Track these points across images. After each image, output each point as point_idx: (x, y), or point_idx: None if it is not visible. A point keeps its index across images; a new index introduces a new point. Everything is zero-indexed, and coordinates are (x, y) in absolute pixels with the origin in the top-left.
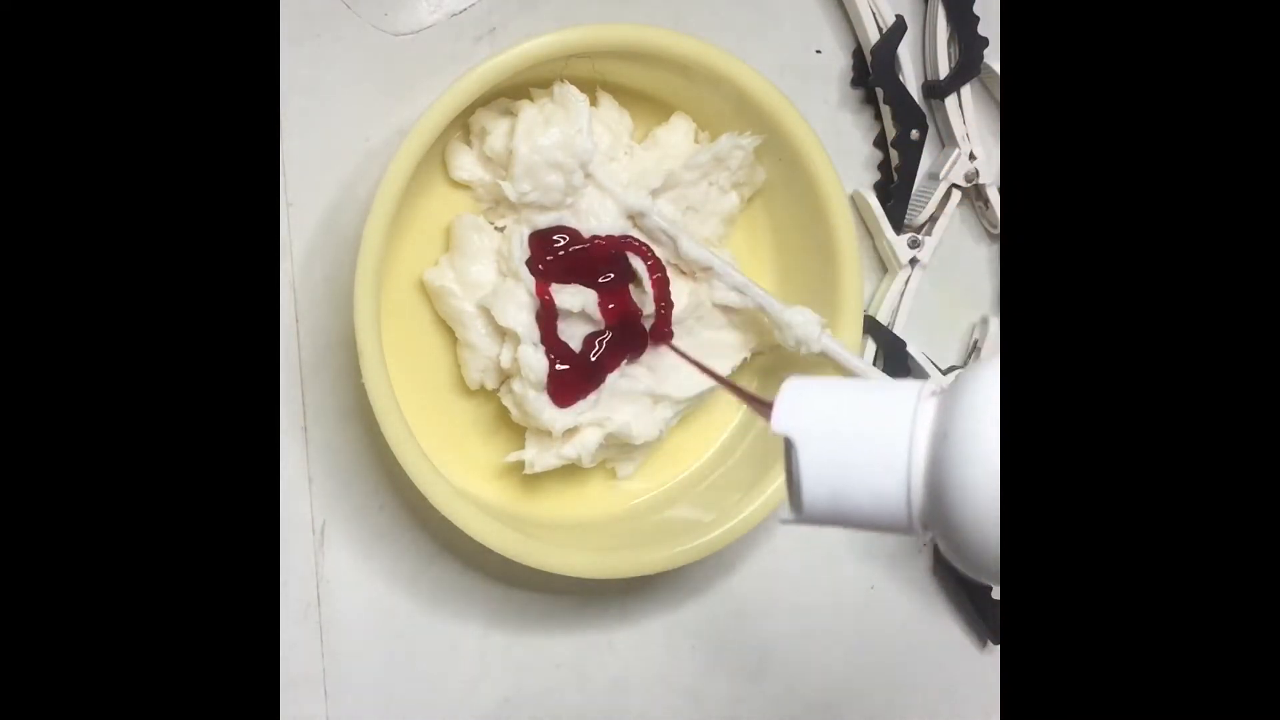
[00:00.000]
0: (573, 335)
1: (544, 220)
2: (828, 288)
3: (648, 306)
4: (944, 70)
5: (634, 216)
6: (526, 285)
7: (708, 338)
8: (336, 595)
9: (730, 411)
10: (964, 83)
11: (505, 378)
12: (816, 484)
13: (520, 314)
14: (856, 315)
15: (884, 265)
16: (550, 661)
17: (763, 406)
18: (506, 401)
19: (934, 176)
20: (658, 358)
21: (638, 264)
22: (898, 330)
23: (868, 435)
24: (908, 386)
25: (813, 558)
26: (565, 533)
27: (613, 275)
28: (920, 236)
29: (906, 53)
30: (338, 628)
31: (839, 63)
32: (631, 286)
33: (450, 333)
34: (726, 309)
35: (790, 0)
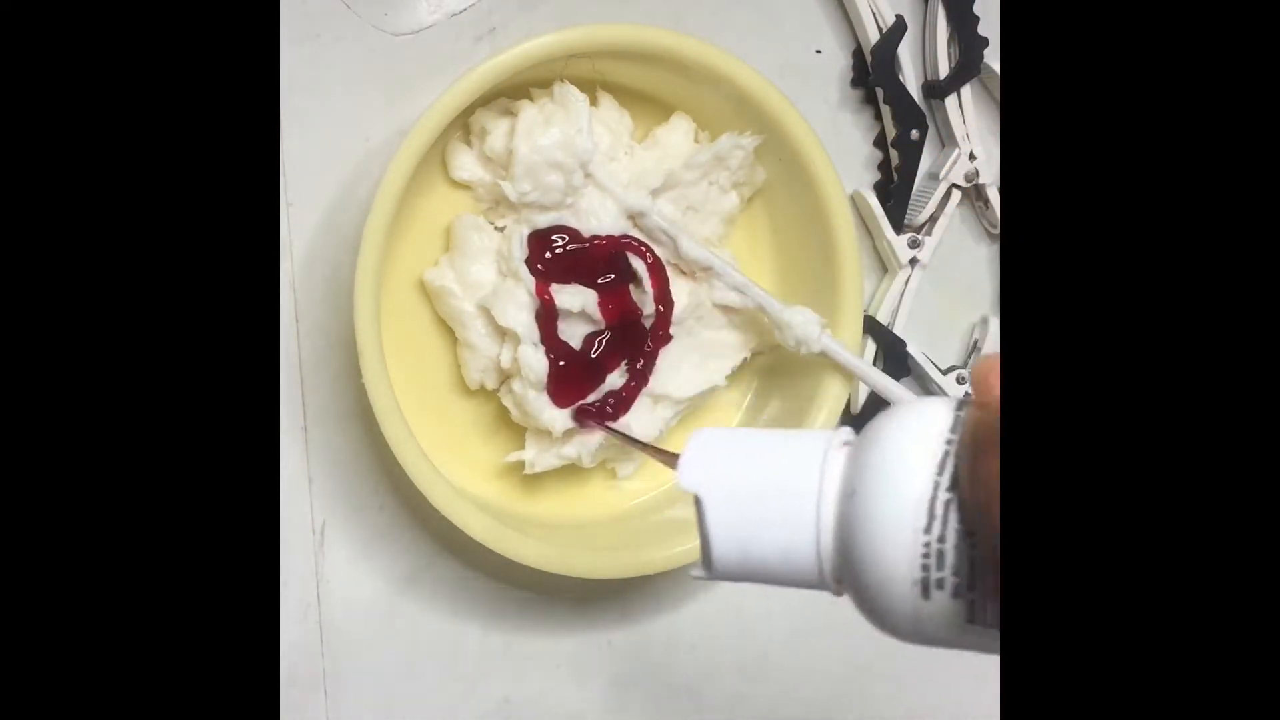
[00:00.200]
0: (573, 335)
1: (544, 220)
2: (828, 288)
3: (648, 306)
4: (944, 70)
5: (634, 216)
6: (526, 285)
7: (708, 338)
8: (336, 595)
9: (730, 411)
10: (964, 83)
11: (505, 378)
12: (725, 542)
13: (520, 314)
14: (856, 315)
15: (884, 265)
16: (550, 661)
17: (672, 459)
18: (506, 401)
19: (934, 176)
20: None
21: (638, 264)
22: (898, 330)
23: (775, 492)
24: (816, 439)
25: None
26: (565, 533)
27: (613, 275)
28: (920, 236)
29: (906, 53)
30: (338, 628)
31: (839, 63)
32: (631, 286)
33: (450, 333)
34: (726, 309)
35: (790, 0)
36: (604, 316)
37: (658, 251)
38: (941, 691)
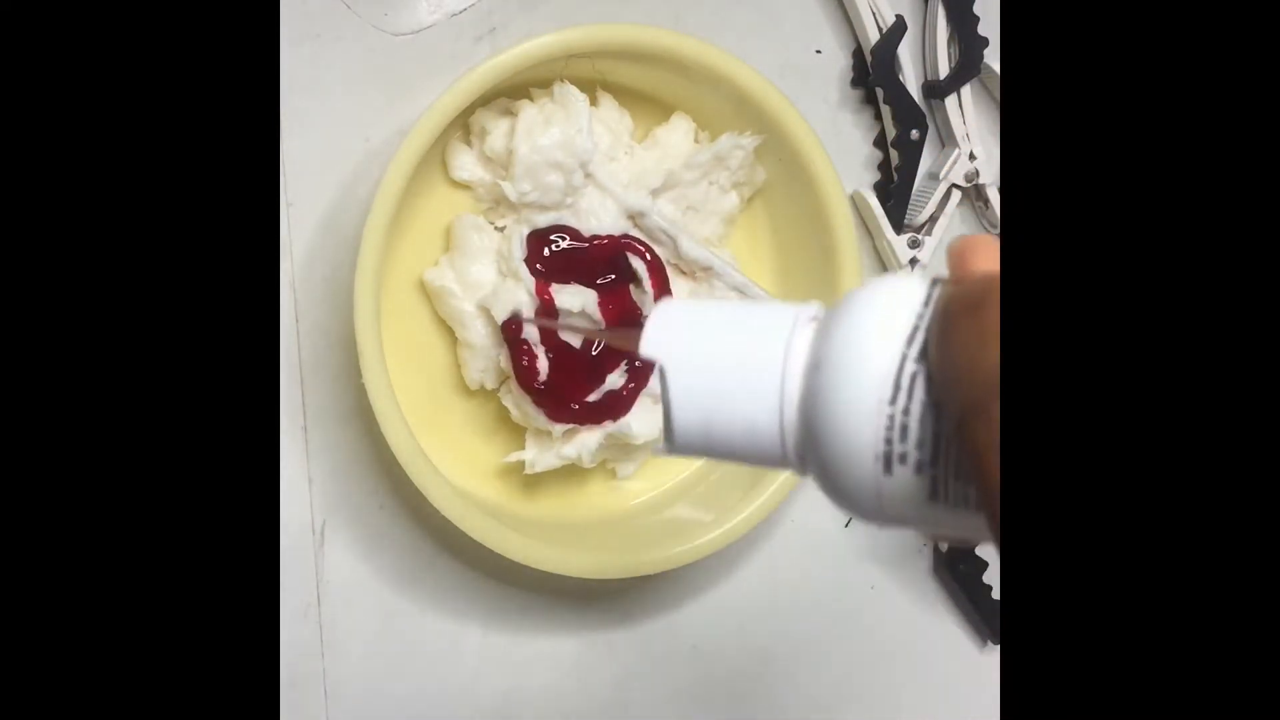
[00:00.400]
0: (573, 335)
1: (544, 220)
2: (828, 288)
3: (648, 306)
4: (944, 70)
5: (634, 216)
6: (526, 285)
7: None
8: (336, 595)
9: None
10: (964, 83)
11: (505, 378)
12: (687, 414)
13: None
14: None
15: (884, 265)
16: (550, 661)
17: (635, 334)
18: (506, 401)
19: (934, 176)
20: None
21: (638, 264)
22: None
23: (740, 363)
24: (785, 312)
25: (813, 558)
26: (565, 533)
27: (613, 275)
28: (920, 236)
29: (906, 53)
30: (338, 628)
31: (839, 63)
32: (631, 286)
33: (450, 333)
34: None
35: (790, 0)
36: (604, 316)
37: (658, 251)
38: (941, 691)
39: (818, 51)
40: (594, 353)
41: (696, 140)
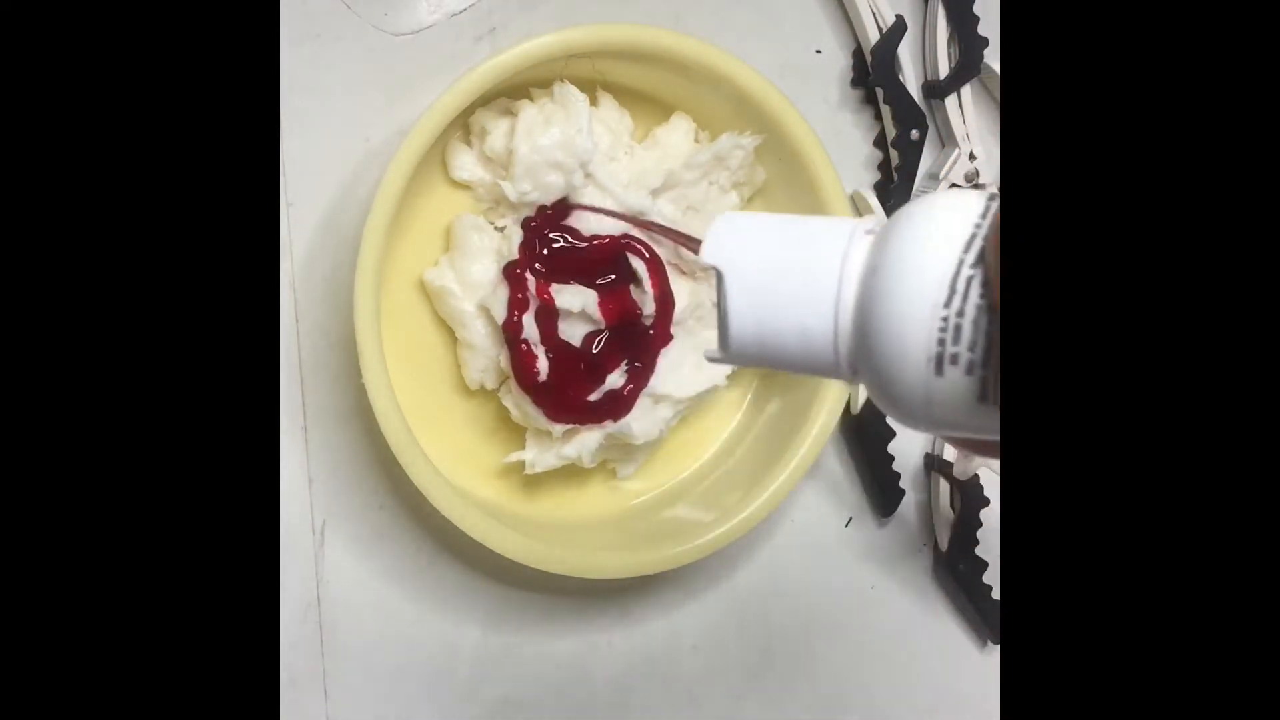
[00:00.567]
0: (573, 335)
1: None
2: None
3: (648, 306)
4: (944, 70)
5: (634, 216)
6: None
7: (707, 337)
8: (336, 595)
9: (730, 411)
10: (964, 83)
11: (505, 378)
12: (744, 319)
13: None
14: None
15: None
16: (550, 661)
17: (694, 241)
18: (506, 402)
19: (934, 176)
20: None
21: (638, 264)
22: None
23: (797, 270)
24: (844, 223)
25: (813, 558)
26: (565, 533)
27: (613, 275)
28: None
29: (906, 53)
30: (338, 628)
31: (839, 63)
32: (631, 286)
33: (450, 333)
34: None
35: (790, 0)
36: (604, 316)
37: (658, 251)
38: (941, 691)
39: (818, 51)
40: (593, 354)
41: (696, 140)
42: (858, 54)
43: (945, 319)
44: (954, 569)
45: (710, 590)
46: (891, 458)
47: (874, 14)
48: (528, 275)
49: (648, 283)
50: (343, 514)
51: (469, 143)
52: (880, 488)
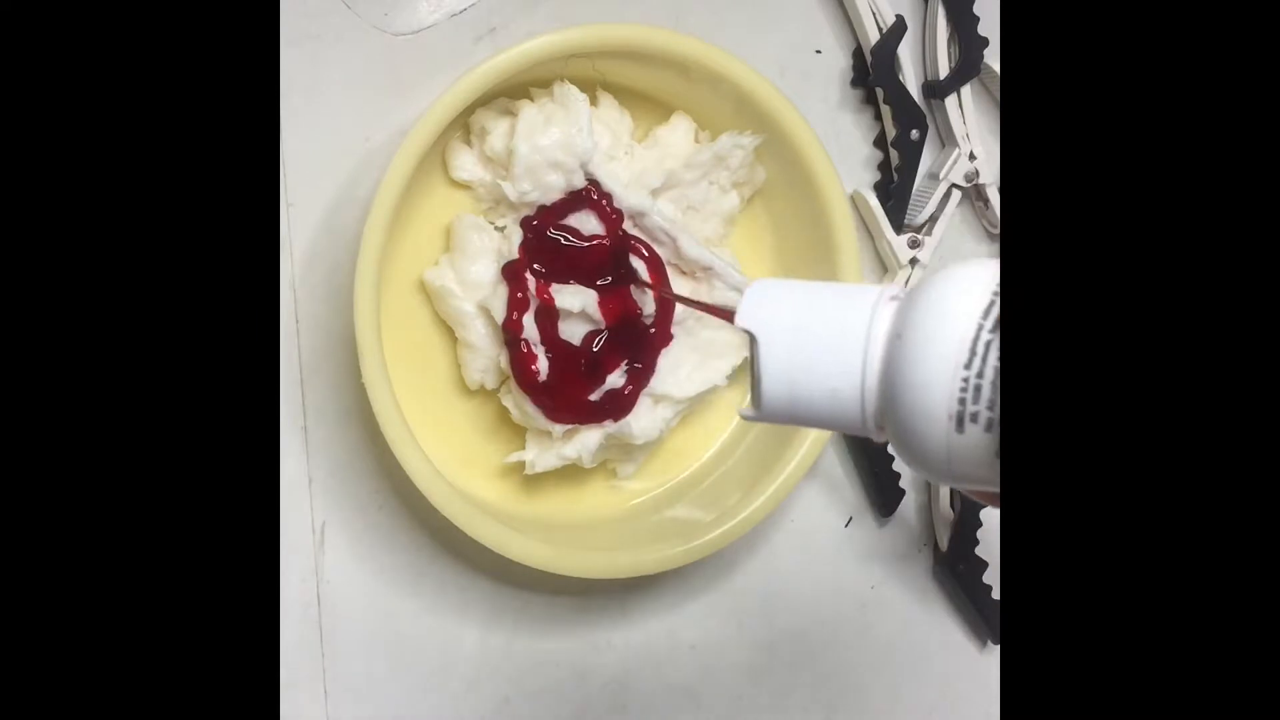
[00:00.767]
0: (573, 335)
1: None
2: None
3: (648, 306)
4: (944, 70)
5: (634, 216)
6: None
7: (707, 337)
8: (336, 595)
9: (730, 411)
10: (964, 83)
11: (505, 378)
12: (776, 380)
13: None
14: None
15: (884, 265)
16: (550, 661)
17: (726, 311)
18: (506, 402)
19: (934, 176)
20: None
21: (638, 264)
22: None
23: (827, 334)
24: (870, 290)
25: (813, 558)
26: (565, 533)
27: (612, 276)
28: (920, 236)
29: (906, 53)
30: (338, 628)
31: (839, 63)
32: (631, 286)
33: (450, 333)
34: (727, 309)
35: (790, 0)
36: (604, 316)
37: (658, 251)
38: (941, 691)
39: (818, 51)
40: (593, 353)
41: (696, 140)
42: (858, 54)
43: (966, 379)
44: (954, 569)
45: (710, 590)
46: (891, 458)
47: (874, 14)
48: (528, 275)
49: (648, 282)
50: (343, 514)
51: (469, 143)
52: (880, 488)
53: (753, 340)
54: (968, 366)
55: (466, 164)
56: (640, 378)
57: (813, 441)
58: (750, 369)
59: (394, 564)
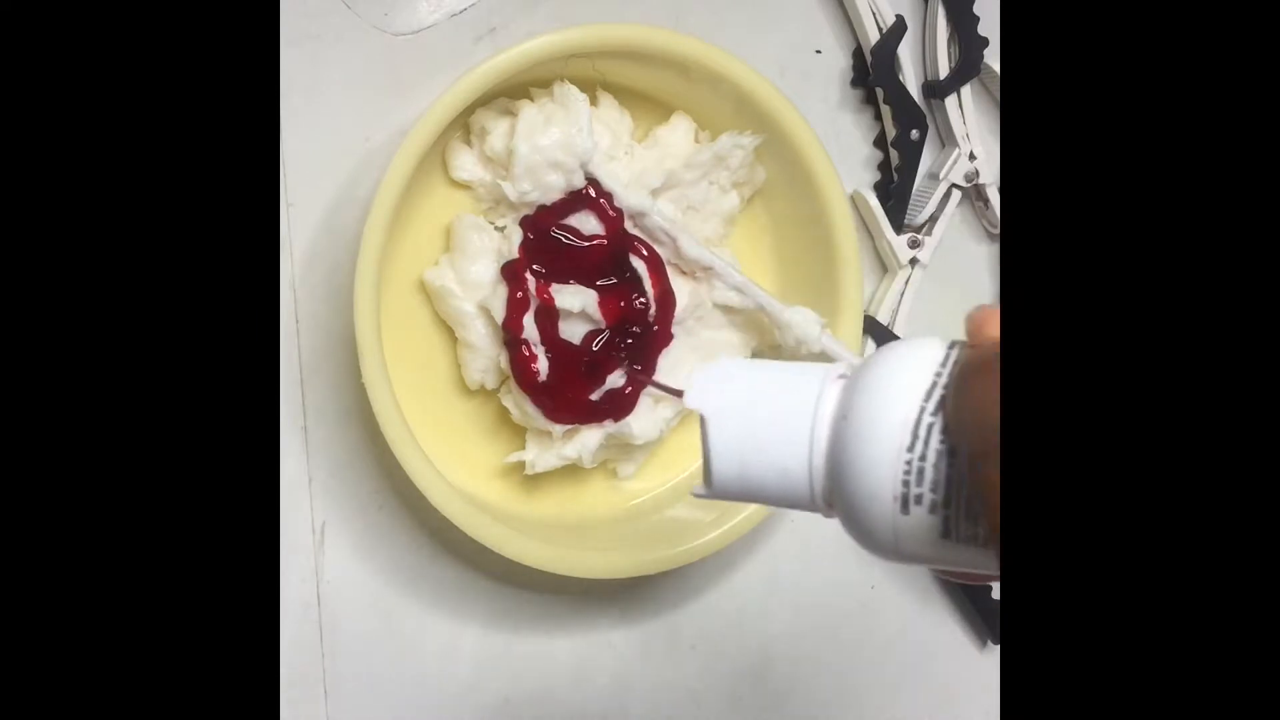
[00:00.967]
0: (573, 335)
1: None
2: (828, 288)
3: (648, 307)
4: (944, 70)
5: (634, 216)
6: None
7: (707, 337)
8: (336, 595)
9: None
10: (964, 83)
11: (505, 378)
12: (726, 460)
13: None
14: (856, 315)
15: (884, 265)
16: (550, 661)
17: (678, 391)
18: (506, 402)
19: (934, 176)
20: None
21: (638, 264)
22: (898, 330)
23: (775, 415)
24: (816, 370)
25: (813, 558)
26: (565, 533)
27: (613, 276)
28: (920, 236)
29: (906, 53)
30: (338, 628)
31: (839, 63)
32: (631, 287)
33: (450, 333)
34: (726, 309)
35: (790, 0)
36: (604, 316)
37: (658, 251)
38: (941, 691)
39: (818, 51)
40: (595, 348)
41: (696, 140)
42: (858, 54)
43: (909, 462)
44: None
45: (710, 590)
46: None
47: (874, 14)
48: (528, 275)
49: (648, 283)
50: (343, 514)
51: (469, 143)
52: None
53: (703, 421)
54: (910, 449)
55: (466, 164)
56: (639, 381)
57: None
58: (702, 448)
59: (394, 564)
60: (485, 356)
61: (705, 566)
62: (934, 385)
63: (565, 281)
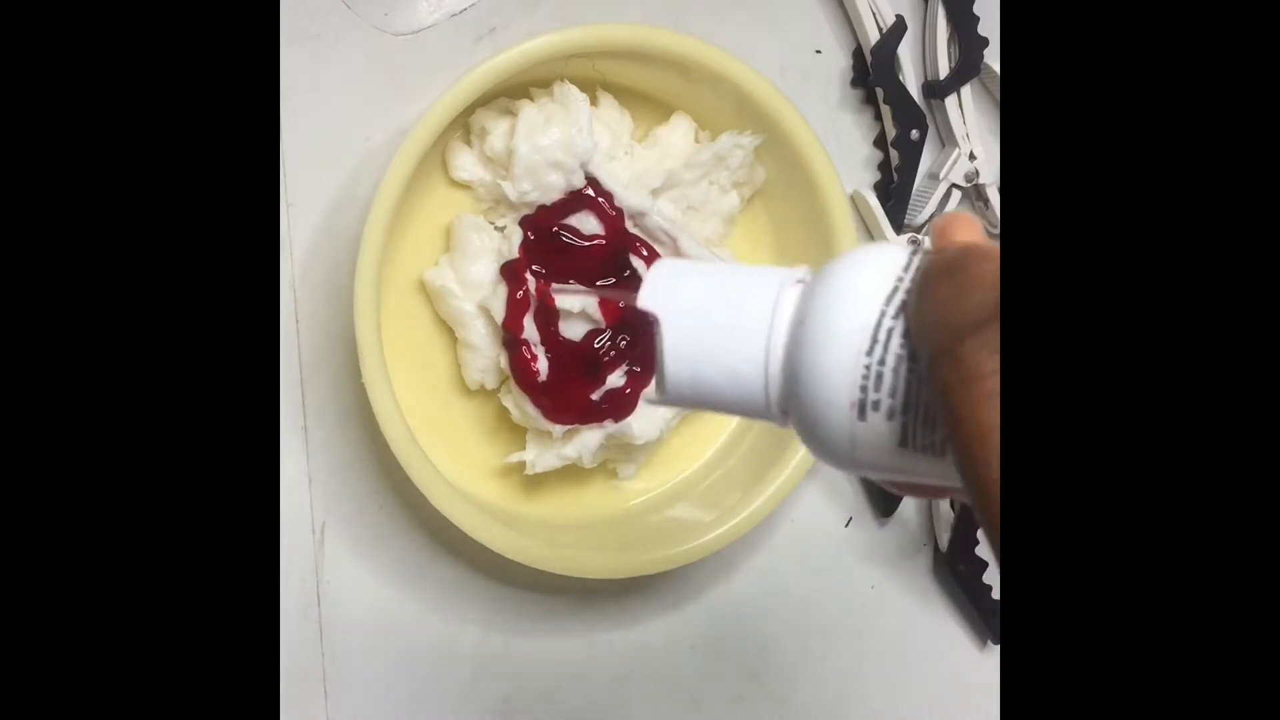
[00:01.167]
0: (573, 335)
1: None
2: None
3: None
4: (944, 70)
5: (634, 216)
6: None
7: None
8: (336, 595)
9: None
10: (964, 83)
11: (505, 378)
12: (678, 363)
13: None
14: None
15: None
16: (550, 661)
17: (633, 287)
18: (506, 402)
19: (934, 176)
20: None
21: (638, 264)
22: None
23: (730, 318)
24: (775, 274)
25: (813, 558)
26: (565, 533)
27: (613, 276)
28: (920, 236)
29: (906, 53)
30: (338, 628)
31: (839, 63)
32: (631, 287)
33: (450, 333)
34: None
35: (790, 0)
36: (604, 316)
37: (658, 251)
38: (941, 691)
39: (818, 51)
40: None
41: (696, 140)
42: (858, 54)
43: (868, 367)
44: (954, 569)
45: (710, 590)
46: None
47: (874, 14)
48: (528, 275)
49: None
50: (343, 514)
51: (469, 143)
52: (880, 488)
53: (655, 322)
54: (869, 353)
55: (466, 164)
56: (639, 380)
57: None
58: (655, 351)
59: (394, 564)
60: (485, 356)
61: (705, 566)
62: (895, 289)
63: (565, 281)
